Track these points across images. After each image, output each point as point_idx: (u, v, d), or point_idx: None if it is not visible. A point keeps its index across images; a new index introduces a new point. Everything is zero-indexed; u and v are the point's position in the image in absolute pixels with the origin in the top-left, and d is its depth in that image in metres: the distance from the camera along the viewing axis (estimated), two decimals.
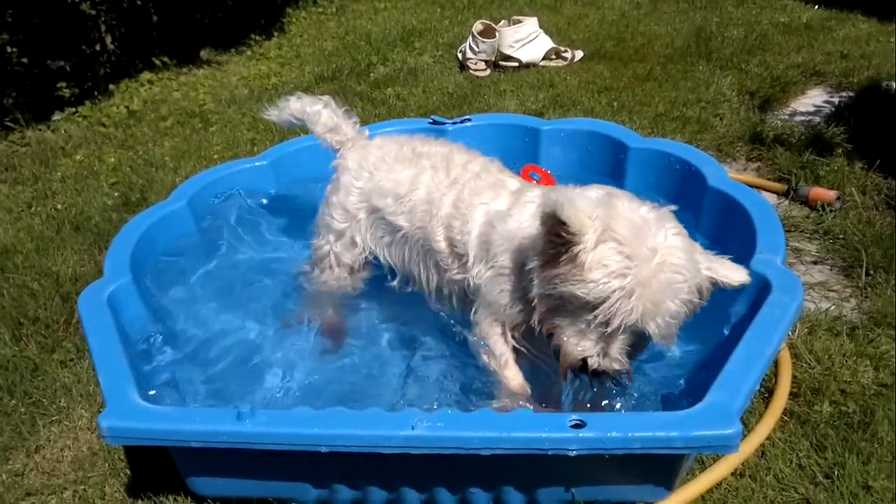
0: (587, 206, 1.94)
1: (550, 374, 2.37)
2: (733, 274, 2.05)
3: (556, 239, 1.96)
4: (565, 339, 2.04)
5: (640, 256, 1.88)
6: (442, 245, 2.51)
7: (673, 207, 2.06)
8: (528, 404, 2.26)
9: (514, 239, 2.26)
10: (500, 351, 2.36)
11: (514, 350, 2.37)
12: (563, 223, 1.89)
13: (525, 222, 2.26)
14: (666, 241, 1.93)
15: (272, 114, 3.07)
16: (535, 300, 2.09)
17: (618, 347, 1.99)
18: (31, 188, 4.65)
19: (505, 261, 2.28)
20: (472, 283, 2.41)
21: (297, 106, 2.99)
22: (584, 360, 2.01)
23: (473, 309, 2.42)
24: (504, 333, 2.34)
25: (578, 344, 2.02)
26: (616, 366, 2.00)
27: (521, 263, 2.21)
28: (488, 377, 2.41)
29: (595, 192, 2.12)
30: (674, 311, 1.93)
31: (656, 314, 1.91)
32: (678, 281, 1.91)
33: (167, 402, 2.38)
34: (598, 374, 2.03)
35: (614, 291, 1.87)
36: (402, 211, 2.64)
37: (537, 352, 2.36)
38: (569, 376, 2.11)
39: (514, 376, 2.35)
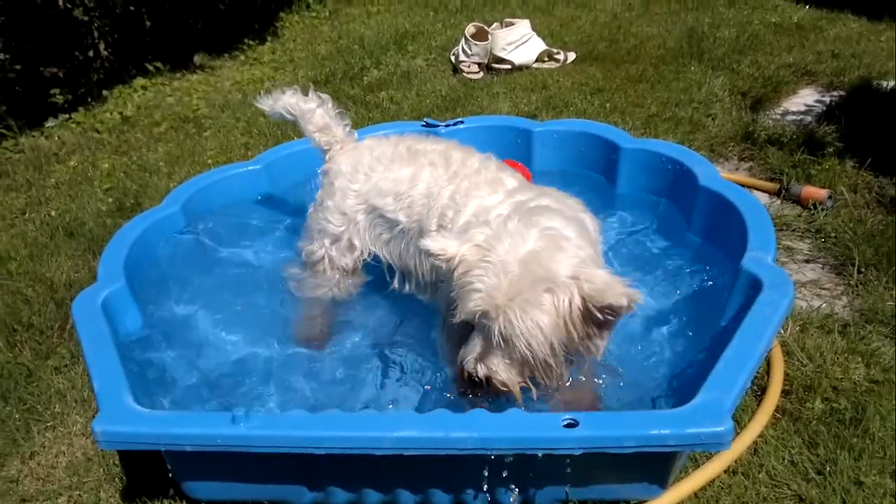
0: (450, 239, 2.09)
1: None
2: (606, 296, 1.89)
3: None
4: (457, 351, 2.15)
5: (492, 261, 1.98)
6: (434, 234, 2.52)
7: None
8: None
9: None
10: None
11: None
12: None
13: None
14: (526, 247, 1.98)
15: (266, 104, 3.05)
16: None
17: (496, 358, 2.03)
18: (24, 194, 4.65)
19: None
20: None
21: (292, 101, 2.98)
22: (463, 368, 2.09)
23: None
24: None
25: (462, 350, 2.10)
26: (493, 374, 2.03)
27: None
28: None
29: (537, 202, 2.26)
30: (527, 317, 1.92)
31: (500, 314, 1.94)
32: (526, 286, 1.93)
33: (161, 407, 2.39)
34: (476, 383, 2.07)
35: (463, 286, 2.00)
36: (402, 207, 2.66)
37: None
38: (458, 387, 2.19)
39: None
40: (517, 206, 2.27)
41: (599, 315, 1.94)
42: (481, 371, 2.04)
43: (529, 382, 2.08)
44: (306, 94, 3.00)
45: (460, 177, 2.55)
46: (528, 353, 1.96)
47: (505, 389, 2.06)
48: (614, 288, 1.89)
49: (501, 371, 2.03)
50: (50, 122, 5.71)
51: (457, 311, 2.03)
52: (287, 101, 2.99)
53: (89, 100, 6.08)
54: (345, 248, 2.85)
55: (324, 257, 2.88)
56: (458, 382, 2.17)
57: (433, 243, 2.07)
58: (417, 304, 2.76)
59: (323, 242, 2.88)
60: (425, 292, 2.70)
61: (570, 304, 1.94)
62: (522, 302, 1.92)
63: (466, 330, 2.10)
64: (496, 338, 1.97)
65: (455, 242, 2.06)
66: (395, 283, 2.82)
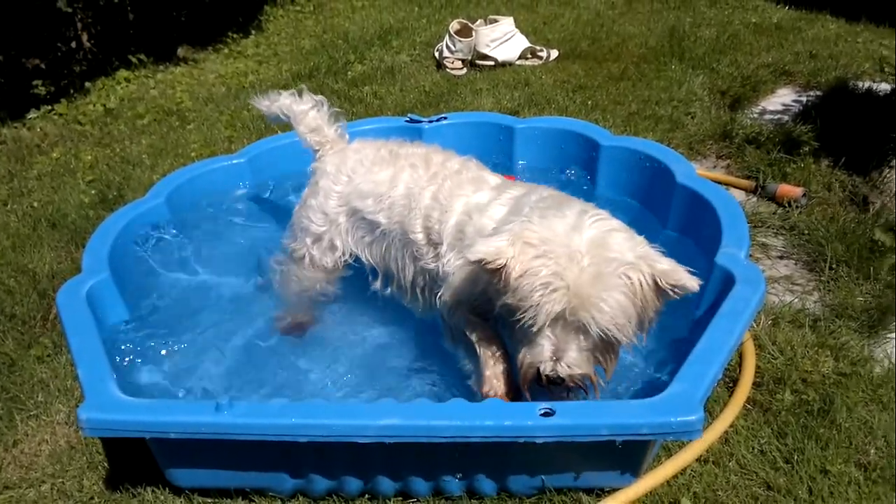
0: (497, 240, 2.02)
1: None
2: (677, 275, 1.99)
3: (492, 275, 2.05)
4: (520, 353, 2.10)
5: (555, 253, 1.96)
6: (419, 235, 2.57)
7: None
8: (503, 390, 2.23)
9: (484, 235, 2.31)
10: (471, 333, 2.34)
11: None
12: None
13: (496, 220, 2.34)
14: (586, 234, 1.99)
15: (263, 104, 3.14)
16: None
17: (573, 352, 2.02)
18: (6, 186, 4.63)
19: None
20: (441, 270, 2.47)
21: (287, 102, 3.07)
22: (538, 370, 2.04)
23: (440, 293, 2.45)
24: (466, 314, 2.36)
25: (528, 353, 2.06)
26: (573, 370, 2.02)
27: None
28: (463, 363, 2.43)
29: (537, 194, 2.28)
30: (611, 301, 1.94)
31: (588, 305, 1.93)
32: (605, 270, 1.95)
33: (145, 395, 2.42)
34: (556, 383, 2.04)
35: (534, 288, 1.94)
36: (382, 209, 2.70)
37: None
38: (529, 390, 2.15)
39: (490, 357, 2.29)
40: (519, 201, 2.33)
41: (671, 294, 2.00)
42: (563, 371, 2.01)
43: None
44: (301, 96, 3.07)
45: (441, 177, 2.59)
46: (617, 336, 1.97)
47: (580, 384, 2.06)
48: (680, 269, 1.99)
49: (583, 365, 2.03)
50: (32, 114, 5.67)
51: (526, 316, 1.97)
52: (282, 103, 3.07)
53: (72, 91, 6.05)
54: (326, 248, 2.89)
55: (305, 255, 2.93)
56: (527, 386, 2.13)
57: (476, 253, 1.99)
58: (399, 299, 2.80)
59: (305, 241, 2.92)
60: (407, 295, 2.73)
61: (643, 285, 1.98)
62: (606, 287, 1.93)
63: (523, 333, 2.06)
64: (581, 330, 1.99)
65: (502, 244, 1.99)
66: (378, 285, 2.84)
